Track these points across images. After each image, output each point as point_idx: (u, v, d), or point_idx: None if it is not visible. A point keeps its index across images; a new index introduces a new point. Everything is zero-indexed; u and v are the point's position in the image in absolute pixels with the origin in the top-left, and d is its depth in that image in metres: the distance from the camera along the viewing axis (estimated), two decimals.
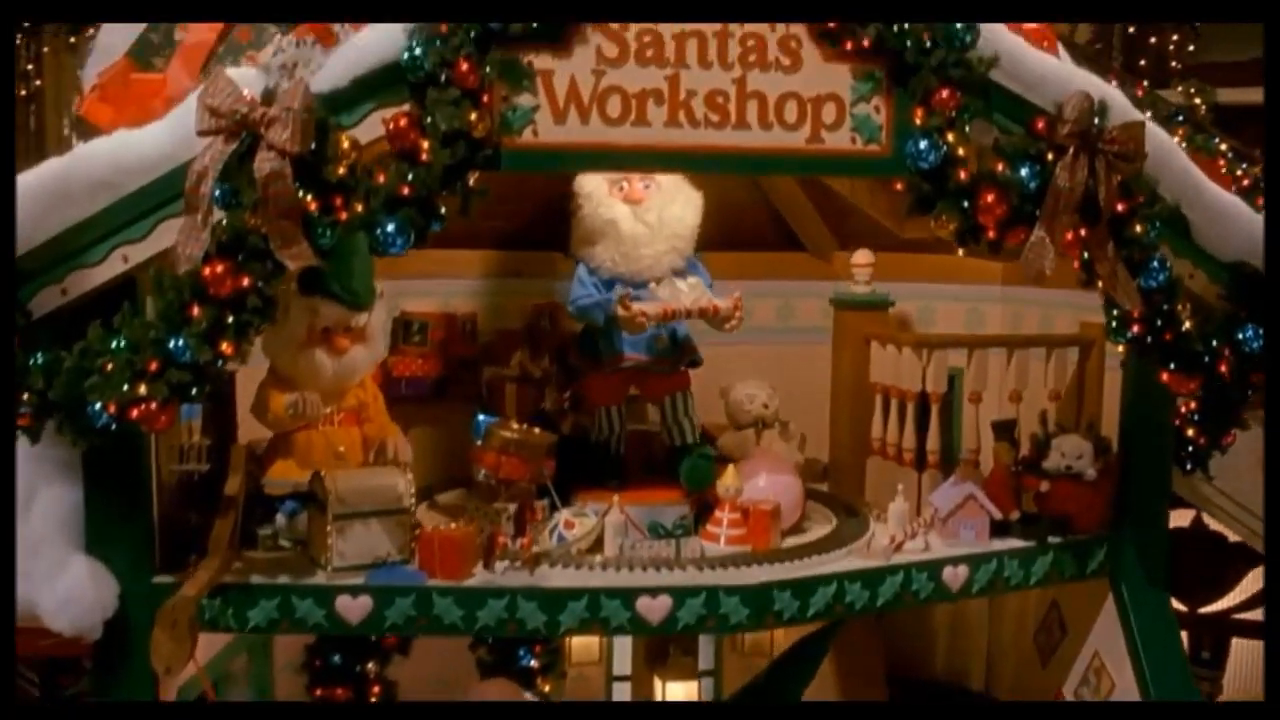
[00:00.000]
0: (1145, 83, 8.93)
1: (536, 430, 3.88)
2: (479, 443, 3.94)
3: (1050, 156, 3.26)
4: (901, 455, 4.33)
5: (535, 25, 3.03)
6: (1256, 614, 6.99)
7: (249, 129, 2.91)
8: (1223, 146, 6.13)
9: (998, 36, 3.29)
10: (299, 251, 2.92)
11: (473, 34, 2.98)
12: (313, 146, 2.90)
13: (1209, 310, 3.79)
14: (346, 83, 3.01)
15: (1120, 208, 3.34)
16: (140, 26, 3.70)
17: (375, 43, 3.01)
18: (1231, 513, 4.90)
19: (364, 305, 3.69)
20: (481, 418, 4.19)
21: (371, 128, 3.06)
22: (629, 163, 3.32)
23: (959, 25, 3.17)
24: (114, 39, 3.73)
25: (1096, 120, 3.29)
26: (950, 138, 3.19)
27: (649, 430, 4.37)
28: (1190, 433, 4.05)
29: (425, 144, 2.99)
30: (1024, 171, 3.24)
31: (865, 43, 3.17)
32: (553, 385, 4.42)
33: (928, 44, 3.16)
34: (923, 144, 3.18)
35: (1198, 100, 8.47)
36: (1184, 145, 6.08)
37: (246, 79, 3.05)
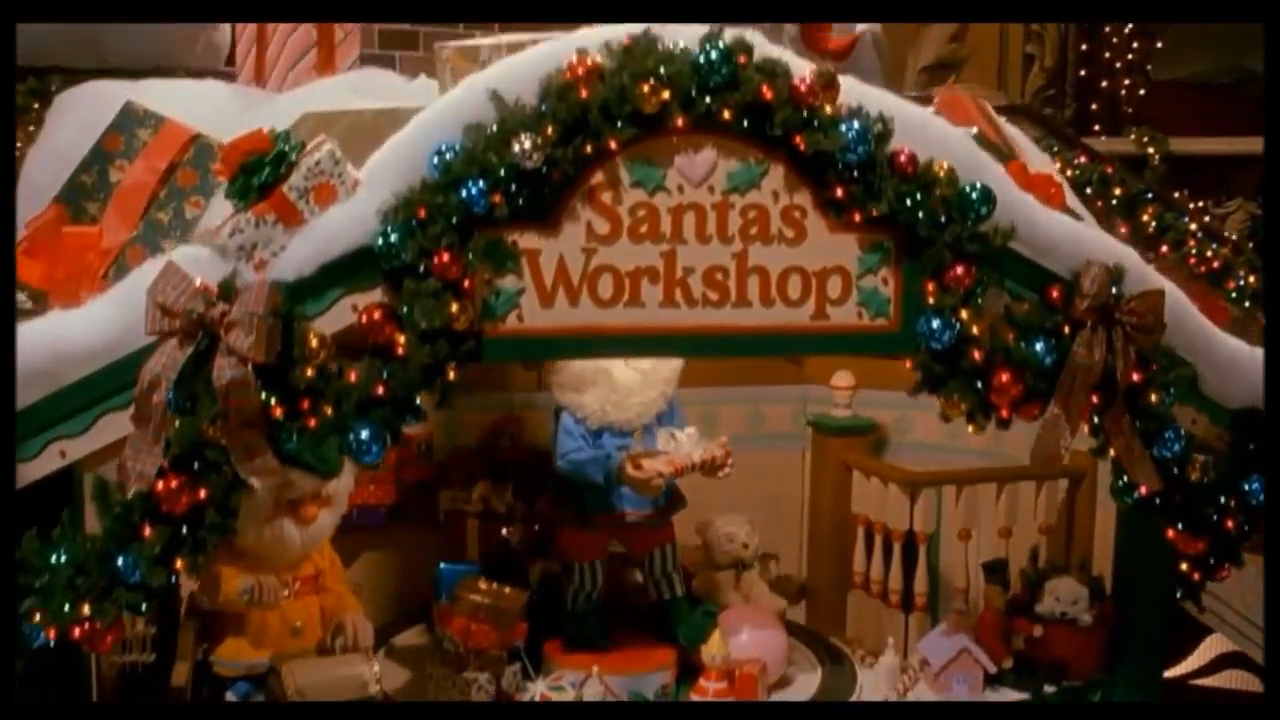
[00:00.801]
0: (1097, 128, 8.96)
1: (508, 591, 3.66)
2: (444, 601, 3.72)
3: (1066, 329, 3.10)
4: (887, 595, 4.18)
5: (521, 203, 2.79)
6: (1214, 680, 7.00)
7: (206, 329, 2.64)
8: (1192, 225, 6.08)
9: (1010, 199, 3.12)
10: (262, 465, 2.66)
11: (454, 220, 2.73)
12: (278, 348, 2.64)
13: (1213, 450, 3.67)
14: (313, 270, 2.75)
15: (1136, 377, 3.18)
16: (71, 165, 3.41)
17: (345, 227, 2.75)
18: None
19: (337, 472, 3.42)
20: (444, 567, 3.96)
21: (340, 315, 2.81)
22: (621, 348, 3.10)
23: (974, 195, 3.00)
24: (41, 177, 3.43)
25: (1113, 289, 3.13)
26: (964, 315, 3.01)
27: (623, 552, 4.17)
28: (1184, 567, 3.93)
29: (402, 338, 2.74)
30: (1039, 346, 3.07)
31: (874, 213, 2.97)
32: (519, 521, 4.19)
33: (942, 218, 2.97)
34: (935, 323, 3.00)
35: (1151, 150, 8.46)
36: (1152, 224, 6.04)
37: (199, 260, 2.78)
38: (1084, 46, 8.85)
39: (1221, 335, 3.61)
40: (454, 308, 2.74)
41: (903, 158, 2.97)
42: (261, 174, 2.76)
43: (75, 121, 3.52)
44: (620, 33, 2.91)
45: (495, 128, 2.78)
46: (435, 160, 2.77)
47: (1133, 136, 8.37)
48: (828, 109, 2.91)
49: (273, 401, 2.67)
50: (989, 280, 3.05)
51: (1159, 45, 8.77)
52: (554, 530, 4.00)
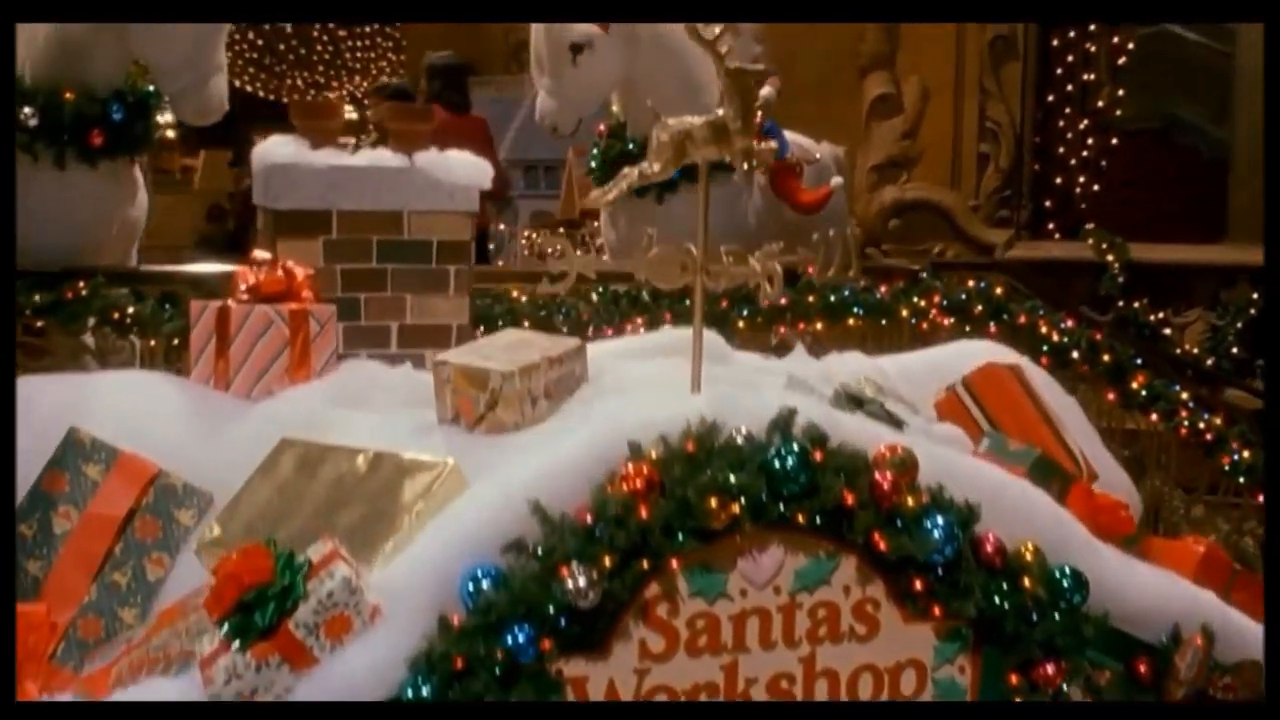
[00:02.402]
0: (1052, 226, 8.86)
1: None
2: None
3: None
4: None
5: (575, 634, 2.49)
6: None
7: None
8: (1184, 395, 5.95)
9: (1098, 571, 2.89)
10: None
11: (498, 670, 2.41)
12: None
13: None
14: None
15: None
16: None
17: (367, 678, 2.42)
18: None
19: None
20: None
21: None
22: None
23: (1066, 583, 2.77)
24: None
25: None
26: None
27: None
28: None
29: None
30: None
31: (959, 611, 2.73)
32: None
33: (1033, 614, 2.74)
34: None
35: (1110, 257, 8.38)
36: (1143, 394, 5.90)
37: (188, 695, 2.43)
38: (1037, 139, 8.74)
39: None
40: None
41: (989, 548, 2.73)
42: (265, 612, 2.41)
43: None
44: (674, 421, 2.62)
45: (540, 551, 2.47)
46: (471, 588, 2.45)
47: (1090, 242, 8.28)
48: (909, 500, 2.66)
49: None
50: (1078, 666, 2.83)
51: (1114, 141, 8.70)
52: None
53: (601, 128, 5.88)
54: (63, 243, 4.71)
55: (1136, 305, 8.27)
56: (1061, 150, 8.70)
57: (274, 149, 3.84)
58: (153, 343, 4.57)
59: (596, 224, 12.44)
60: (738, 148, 2.91)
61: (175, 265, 4.90)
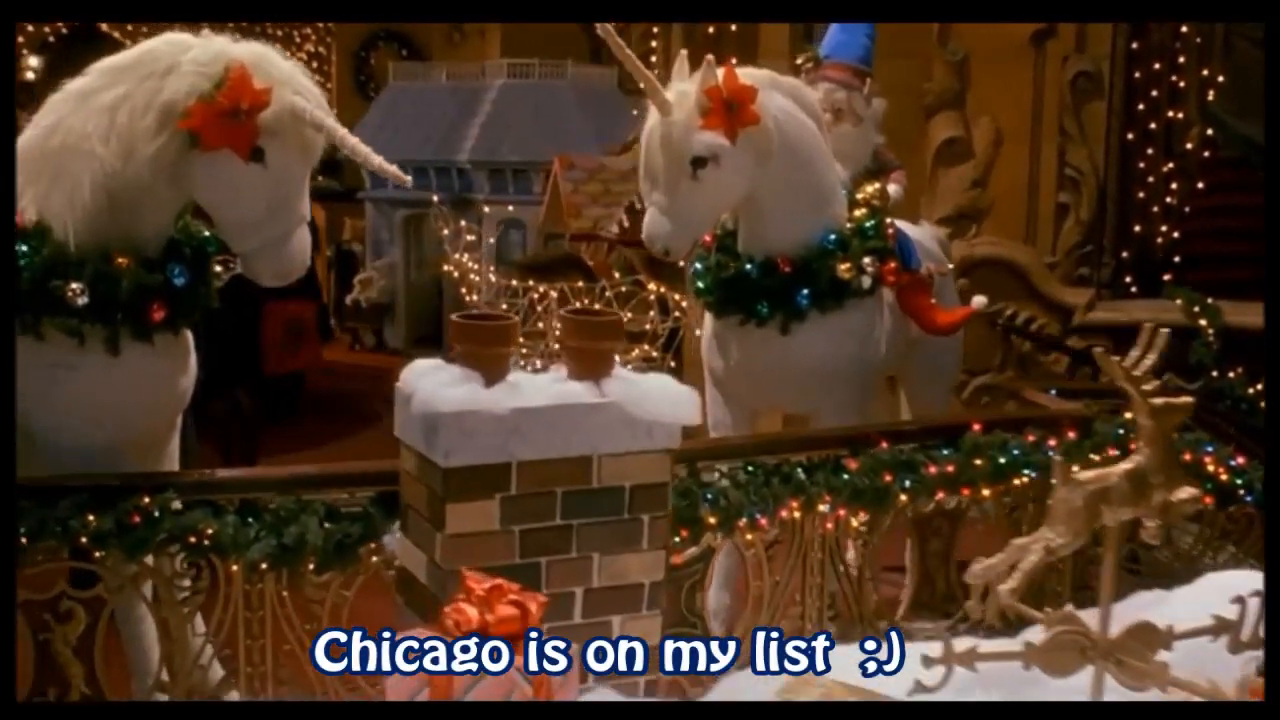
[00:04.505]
0: (1129, 279, 8.51)
1: None
2: None
3: None
4: None
5: None
6: None
7: None
8: None
9: None
10: None
11: None
12: None
13: None
14: None
15: None
16: None
17: None
18: None
19: None
20: None
21: None
22: None
23: None
24: None
25: None
26: None
27: None
28: None
29: None
30: None
31: None
32: None
33: None
34: None
35: (1203, 321, 8.05)
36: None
37: None
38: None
39: None
40: None
41: None
42: None
43: None
44: None
45: None
46: None
47: (1179, 302, 7.95)
48: None
49: None
50: None
51: (1200, 185, 8.32)
52: None
53: (706, 238, 5.34)
54: (113, 439, 4.07)
55: (1232, 375, 7.97)
56: (1142, 196, 8.31)
57: (440, 392, 3.27)
58: (234, 567, 3.97)
59: (587, 248, 11.90)
60: (1156, 502, 2.44)
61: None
